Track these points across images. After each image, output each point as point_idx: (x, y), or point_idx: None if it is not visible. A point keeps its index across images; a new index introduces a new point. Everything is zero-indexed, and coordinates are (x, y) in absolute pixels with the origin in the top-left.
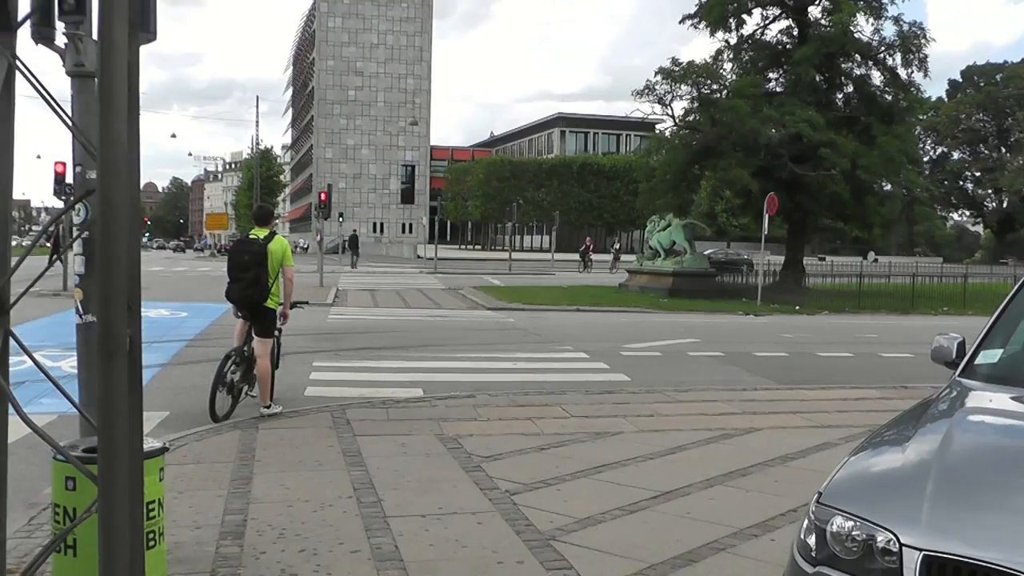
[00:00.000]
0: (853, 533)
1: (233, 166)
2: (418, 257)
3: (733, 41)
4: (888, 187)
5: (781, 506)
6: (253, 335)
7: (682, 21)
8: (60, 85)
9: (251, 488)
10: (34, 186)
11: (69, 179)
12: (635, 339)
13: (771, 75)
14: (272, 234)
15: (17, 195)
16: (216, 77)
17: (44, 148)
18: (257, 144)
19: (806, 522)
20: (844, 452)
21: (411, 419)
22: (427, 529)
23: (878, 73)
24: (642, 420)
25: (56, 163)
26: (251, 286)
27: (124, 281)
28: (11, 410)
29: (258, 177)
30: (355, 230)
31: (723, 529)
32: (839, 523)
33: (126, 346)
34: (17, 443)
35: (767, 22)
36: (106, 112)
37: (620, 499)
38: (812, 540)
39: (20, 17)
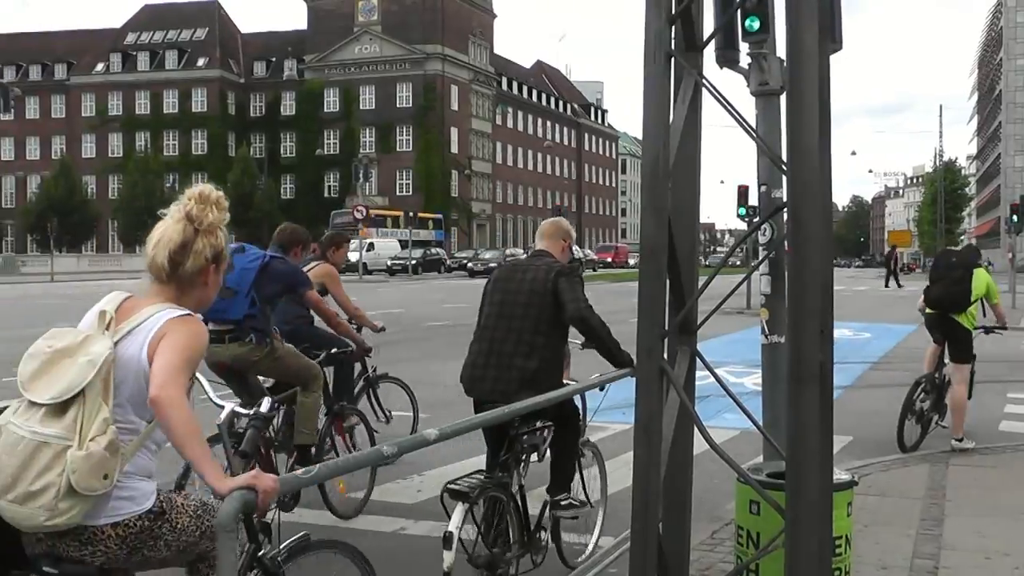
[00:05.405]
0: None
1: (915, 181)
2: None
3: None
4: None
5: None
6: (946, 360)
7: None
8: (744, 109)
9: (942, 531)
10: (717, 210)
11: (752, 201)
12: None
13: None
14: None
15: (703, 218)
16: (899, 89)
17: (726, 173)
18: (940, 156)
19: None
20: None
21: None
22: None
23: None
24: None
25: (739, 186)
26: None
27: (817, 304)
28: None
29: (942, 192)
30: None
31: None
32: None
33: (818, 373)
34: (703, 455)
35: None
36: (795, 122)
37: None
38: None
39: (704, 37)
